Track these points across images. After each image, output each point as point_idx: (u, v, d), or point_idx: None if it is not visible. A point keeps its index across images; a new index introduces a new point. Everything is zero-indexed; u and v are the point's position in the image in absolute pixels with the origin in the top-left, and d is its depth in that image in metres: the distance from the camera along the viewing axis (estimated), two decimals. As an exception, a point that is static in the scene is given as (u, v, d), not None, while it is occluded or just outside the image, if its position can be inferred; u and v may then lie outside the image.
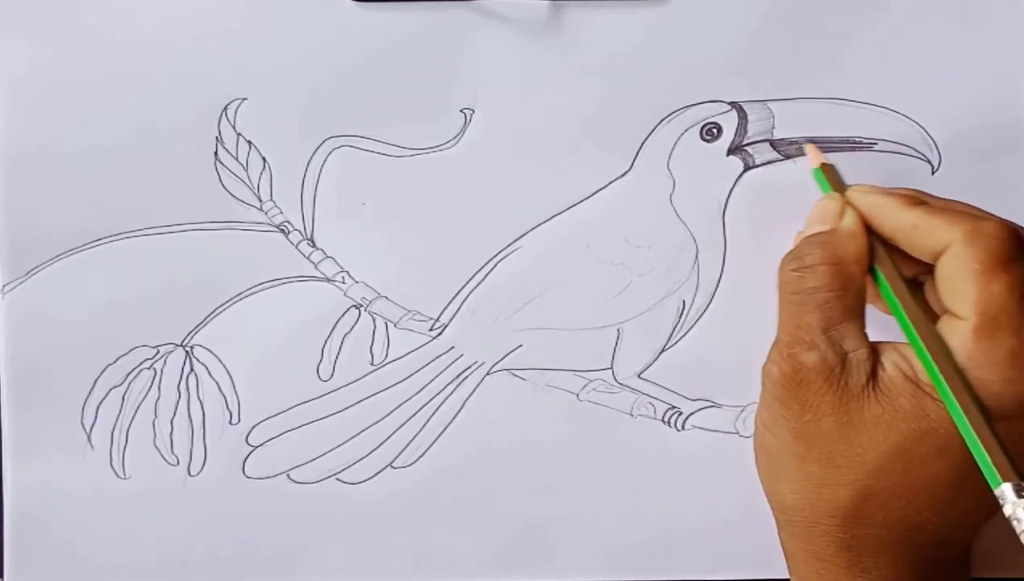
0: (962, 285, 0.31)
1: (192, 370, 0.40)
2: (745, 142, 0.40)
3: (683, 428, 0.40)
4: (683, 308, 0.40)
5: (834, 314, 0.33)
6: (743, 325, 0.39)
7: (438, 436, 0.40)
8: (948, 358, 0.31)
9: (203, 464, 0.40)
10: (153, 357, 0.40)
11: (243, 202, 0.40)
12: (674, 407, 0.40)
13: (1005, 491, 0.29)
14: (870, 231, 0.35)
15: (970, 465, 0.30)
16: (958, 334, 0.31)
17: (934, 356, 0.31)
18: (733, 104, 0.40)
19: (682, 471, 0.40)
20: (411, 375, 0.40)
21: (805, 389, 0.33)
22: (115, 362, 0.40)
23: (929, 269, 0.33)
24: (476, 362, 0.40)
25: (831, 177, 0.37)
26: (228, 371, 0.40)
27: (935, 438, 0.31)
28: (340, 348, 0.40)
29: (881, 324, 0.35)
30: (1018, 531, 0.29)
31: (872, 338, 0.34)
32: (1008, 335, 0.31)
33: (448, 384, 0.40)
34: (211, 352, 0.40)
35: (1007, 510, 0.29)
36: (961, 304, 0.32)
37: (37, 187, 0.40)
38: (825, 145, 0.39)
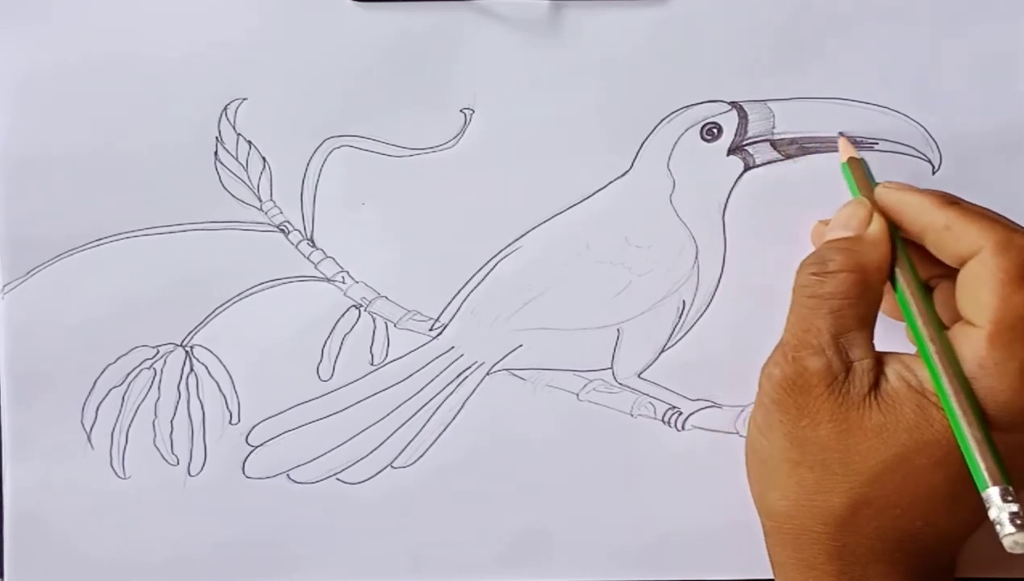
0: (984, 293, 0.31)
1: (192, 370, 0.40)
2: (745, 142, 0.40)
3: (683, 428, 0.40)
4: (683, 308, 0.40)
5: (846, 322, 0.33)
6: (743, 325, 0.39)
7: (438, 436, 0.40)
8: (955, 365, 0.31)
9: (203, 464, 0.40)
10: (153, 357, 0.40)
11: (243, 202, 0.40)
12: (674, 407, 0.40)
13: (991, 495, 0.29)
14: (893, 232, 0.34)
15: (966, 477, 0.30)
16: (972, 341, 0.31)
17: (941, 361, 0.31)
18: (733, 104, 0.40)
19: (682, 471, 0.40)
20: (411, 375, 0.40)
21: (806, 394, 0.32)
22: (115, 362, 0.40)
23: (944, 273, 0.33)
24: (476, 362, 0.40)
25: (859, 172, 0.37)
26: (228, 371, 0.40)
27: (936, 449, 0.31)
28: (340, 348, 0.40)
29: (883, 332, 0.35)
30: (1001, 535, 0.29)
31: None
32: (1022, 347, 0.31)
33: (448, 384, 0.40)
34: (211, 352, 0.40)
35: (992, 514, 0.29)
36: (979, 312, 0.31)
37: (37, 187, 0.40)
38: (826, 145, 0.39)
